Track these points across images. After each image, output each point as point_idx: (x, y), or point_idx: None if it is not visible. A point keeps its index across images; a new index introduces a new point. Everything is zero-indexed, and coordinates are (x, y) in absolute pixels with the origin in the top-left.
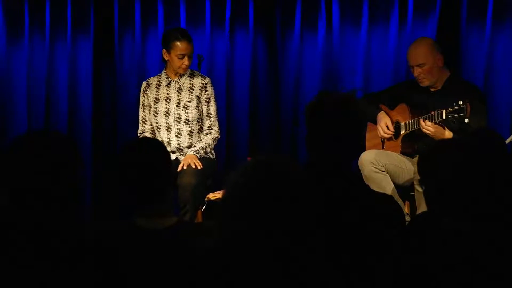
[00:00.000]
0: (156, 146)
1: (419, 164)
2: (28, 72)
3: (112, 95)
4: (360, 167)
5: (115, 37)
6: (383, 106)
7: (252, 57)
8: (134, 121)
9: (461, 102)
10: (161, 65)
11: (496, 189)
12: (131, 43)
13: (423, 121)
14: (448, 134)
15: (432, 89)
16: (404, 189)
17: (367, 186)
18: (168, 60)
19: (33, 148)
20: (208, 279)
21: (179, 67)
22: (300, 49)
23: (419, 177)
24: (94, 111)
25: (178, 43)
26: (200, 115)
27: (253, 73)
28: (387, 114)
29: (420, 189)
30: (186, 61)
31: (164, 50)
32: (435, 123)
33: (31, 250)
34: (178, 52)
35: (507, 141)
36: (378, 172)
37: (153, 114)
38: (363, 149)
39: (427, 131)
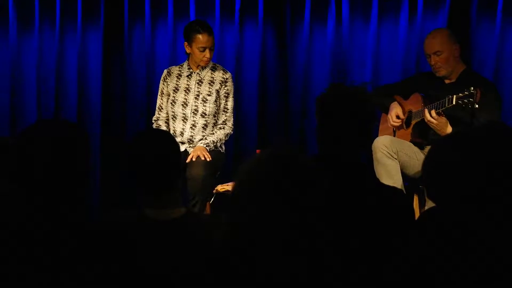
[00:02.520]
0: (165, 138)
1: (424, 163)
2: (38, 62)
3: (121, 85)
4: (373, 150)
5: (124, 28)
6: (397, 97)
7: (262, 49)
8: (144, 112)
9: (472, 88)
10: (171, 56)
11: (504, 182)
12: (140, 34)
13: (428, 111)
14: (449, 128)
15: (446, 81)
16: (413, 182)
17: (377, 179)
18: (190, 52)
19: (43, 137)
20: (217, 269)
21: (201, 60)
22: (309, 41)
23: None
24: (103, 102)
25: (199, 36)
26: (217, 109)
27: (262, 65)
28: (401, 104)
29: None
30: (207, 54)
31: (186, 43)
32: (445, 109)
33: (39, 238)
34: (199, 45)
35: None
36: (389, 158)
37: (171, 103)
38: (372, 142)
39: (430, 122)
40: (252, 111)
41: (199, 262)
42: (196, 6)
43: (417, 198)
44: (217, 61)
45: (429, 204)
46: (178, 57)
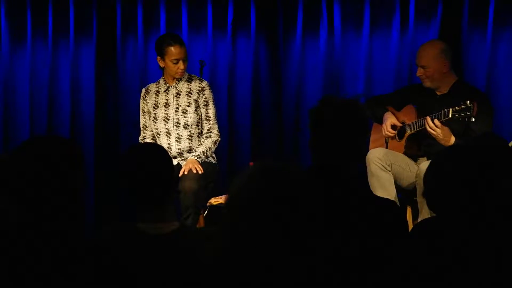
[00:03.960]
0: (158, 152)
1: (425, 174)
2: (30, 77)
3: (114, 99)
4: (366, 162)
5: (117, 42)
6: (390, 108)
7: (254, 62)
8: (137, 126)
9: (468, 102)
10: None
11: (501, 193)
12: (133, 48)
13: (431, 120)
14: (453, 138)
15: (438, 93)
16: (407, 194)
17: (370, 191)
18: (164, 66)
19: (37, 153)
20: (210, 283)
21: (176, 72)
22: (302, 54)
23: (422, 185)
24: (96, 116)
25: (171, 48)
26: (199, 119)
27: (255, 78)
28: (394, 115)
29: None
30: (181, 65)
31: (159, 57)
32: (441, 122)
33: (33, 254)
34: (172, 57)
35: (510, 144)
36: (383, 170)
37: (153, 120)
38: (366, 154)
39: (433, 132)
40: (245, 123)
41: (191, 277)
42: (188, 20)
43: (410, 209)
44: (210, 74)
45: (422, 215)
46: None
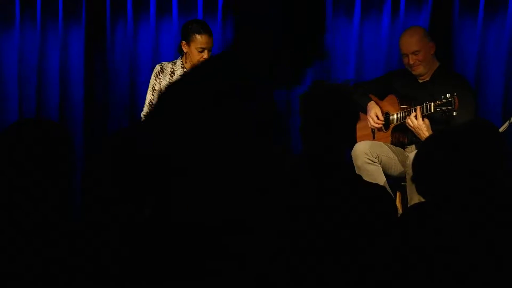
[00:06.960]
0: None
1: (414, 160)
2: (19, 60)
3: (103, 83)
4: (353, 158)
5: (107, 25)
6: (372, 96)
7: None
8: (126, 109)
9: (448, 95)
10: (154, 54)
11: (493, 178)
12: (123, 31)
13: (415, 117)
14: (430, 132)
15: (420, 80)
16: (395, 180)
17: (360, 176)
18: (187, 52)
19: (24, 136)
20: None
21: (198, 60)
22: None
23: (411, 172)
24: (85, 99)
25: (199, 37)
26: None
27: None
28: (377, 104)
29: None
30: (205, 55)
31: (184, 42)
32: (424, 115)
33: (18, 238)
34: (198, 46)
35: (500, 130)
36: (371, 164)
37: None
38: (355, 140)
39: (417, 130)
40: None
41: None
42: (179, 3)
43: (399, 195)
44: None
45: (413, 201)
46: (161, 55)
